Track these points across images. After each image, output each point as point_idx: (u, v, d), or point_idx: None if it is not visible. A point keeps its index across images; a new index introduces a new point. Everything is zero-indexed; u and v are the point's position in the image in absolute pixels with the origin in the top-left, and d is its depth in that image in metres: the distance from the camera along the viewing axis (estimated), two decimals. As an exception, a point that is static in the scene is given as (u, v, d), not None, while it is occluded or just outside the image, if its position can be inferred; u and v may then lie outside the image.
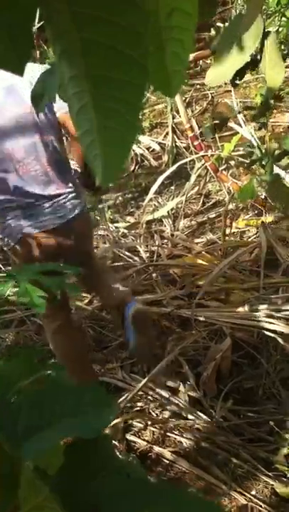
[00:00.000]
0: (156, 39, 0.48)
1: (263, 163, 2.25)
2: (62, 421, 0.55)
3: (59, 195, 2.03)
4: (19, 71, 0.39)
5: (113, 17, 0.37)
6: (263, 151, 2.26)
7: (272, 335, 2.28)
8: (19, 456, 0.50)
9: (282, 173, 2.34)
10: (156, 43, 0.48)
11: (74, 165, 2.27)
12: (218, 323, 2.50)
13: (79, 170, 2.27)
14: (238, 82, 1.97)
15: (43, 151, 1.97)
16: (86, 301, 2.96)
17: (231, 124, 4.06)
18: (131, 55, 0.39)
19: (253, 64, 1.86)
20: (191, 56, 3.46)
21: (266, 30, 1.62)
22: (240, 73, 1.88)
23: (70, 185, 2.07)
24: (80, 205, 2.10)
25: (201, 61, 5.13)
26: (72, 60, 0.39)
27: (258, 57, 1.76)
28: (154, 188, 3.55)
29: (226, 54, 1.56)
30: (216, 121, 2.71)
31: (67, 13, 0.37)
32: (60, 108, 1.96)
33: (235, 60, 1.55)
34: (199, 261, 3.06)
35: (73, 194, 2.07)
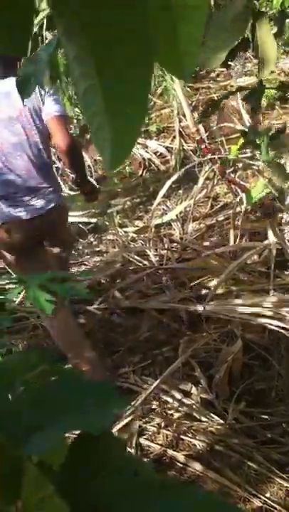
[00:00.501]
0: (167, 19, 0.46)
1: (257, 141, 2.23)
2: (64, 418, 0.54)
3: (38, 189, 2.28)
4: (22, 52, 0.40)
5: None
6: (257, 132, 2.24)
7: (283, 332, 2.28)
8: (20, 455, 0.50)
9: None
10: (168, 23, 0.46)
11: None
12: (227, 317, 2.49)
13: (73, 176, 2.45)
14: (230, 63, 1.97)
15: (28, 150, 2.22)
16: (95, 305, 2.97)
17: (238, 126, 4.07)
18: (133, 31, 0.38)
19: (245, 45, 1.87)
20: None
21: (258, 10, 1.62)
22: (231, 54, 1.89)
23: (49, 181, 2.33)
24: (56, 198, 2.36)
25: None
26: (75, 39, 0.39)
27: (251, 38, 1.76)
28: (162, 192, 3.56)
29: (218, 35, 1.56)
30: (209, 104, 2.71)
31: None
32: (47, 114, 2.21)
33: (227, 40, 1.55)
34: (209, 264, 3.06)
35: (51, 189, 2.33)
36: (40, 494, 0.49)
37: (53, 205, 2.31)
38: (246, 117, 4.08)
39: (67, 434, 0.57)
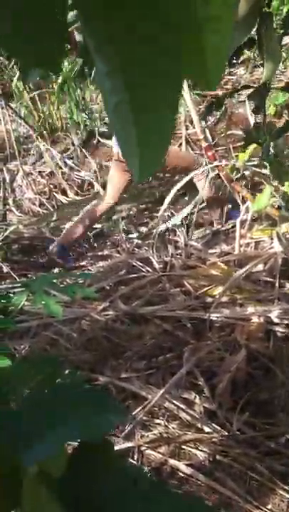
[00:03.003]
0: (193, 29, 0.46)
1: (260, 141, 2.23)
2: (65, 424, 0.54)
3: None
4: (55, 69, 0.42)
5: (147, 7, 0.38)
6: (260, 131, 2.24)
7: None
8: (21, 458, 0.50)
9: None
10: (194, 34, 0.46)
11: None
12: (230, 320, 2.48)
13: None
14: (235, 61, 1.99)
15: None
16: (99, 309, 2.94)
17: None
18: (166, 45, 0.39)
19: (250, 44, 1.87)
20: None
21: (264, 10, 1.63)
22: (237, 53, 1.90)
23: None
24: None
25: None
26: (106, 55, 0.39)
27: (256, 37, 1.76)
28: (169, 198, 3.55)
29: None
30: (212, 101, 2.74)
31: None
32: None
33: (235, 38, 1.55)
34: (213, 272, 3.05)
35: None
36: (39, 502, 0.50)
37: None
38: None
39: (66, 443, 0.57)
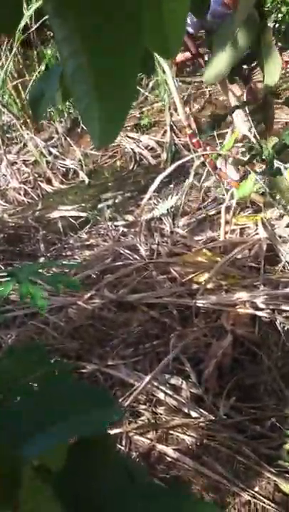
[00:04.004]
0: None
1: (263, 157, 2.24)
2: (63, 420, 0.54)
3: None
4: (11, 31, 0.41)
5: None
6: (263, 146, 2.25)
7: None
8: (20, 456, 0.50)
9: (282, 167, 2.36)
10: (154, 2, 0.46)
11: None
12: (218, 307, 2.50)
13: None
14: (236, 78, 1.98)
15: None
16: (86, 297, 2.94)
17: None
18: (127, 9, 0.38)
19: (250, 59, 1.86)
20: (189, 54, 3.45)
21: (263, 25, 1.62)
22: (236, 69, 1.88)
23: None
24: None
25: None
26: (64, 18, 0.38)
27: (255, 52, 1.75)
28: (153, 186, 3.54)
29: (222, 50, 1.55)
30: (215, 118, 2.73)
31: None
32: None
33: (231, 56, 1.54)
34: (199, 258, 3.05)
35: None
36: (37, 498, 0.49)
37: None
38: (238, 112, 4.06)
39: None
